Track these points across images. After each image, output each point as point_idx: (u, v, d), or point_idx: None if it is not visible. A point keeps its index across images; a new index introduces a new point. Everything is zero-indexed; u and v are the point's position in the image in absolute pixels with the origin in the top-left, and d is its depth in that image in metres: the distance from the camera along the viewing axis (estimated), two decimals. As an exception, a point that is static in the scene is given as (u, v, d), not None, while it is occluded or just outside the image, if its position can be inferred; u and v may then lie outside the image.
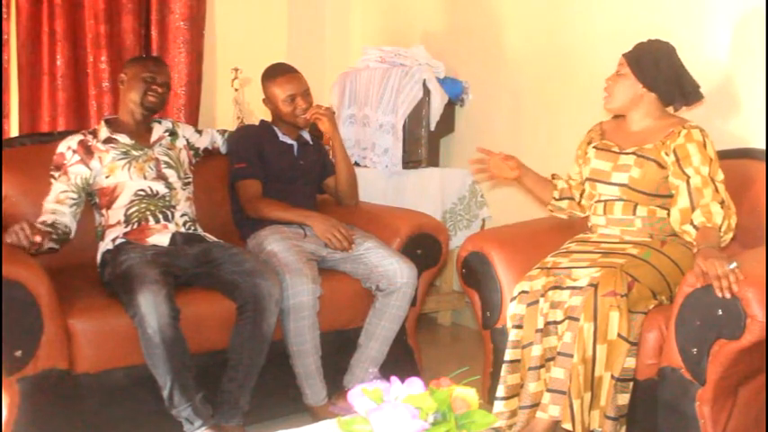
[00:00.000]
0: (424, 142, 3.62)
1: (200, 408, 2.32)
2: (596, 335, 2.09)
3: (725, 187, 2.33)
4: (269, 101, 2.97)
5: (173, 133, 2.88)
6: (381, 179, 3.63)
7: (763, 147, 2.56)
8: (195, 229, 2.75)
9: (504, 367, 2.28)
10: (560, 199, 2.72)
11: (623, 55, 2.48)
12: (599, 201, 2.52)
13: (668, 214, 2.40)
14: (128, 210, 2.64)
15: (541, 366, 2.22)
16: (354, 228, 2.85)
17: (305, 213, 2.81)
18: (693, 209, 2.31)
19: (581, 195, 2.67)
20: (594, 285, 2.14)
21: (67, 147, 2.67)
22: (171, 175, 2.75)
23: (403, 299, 2.73)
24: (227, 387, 2.43)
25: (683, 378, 2.03)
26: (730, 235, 2.29)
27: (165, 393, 2.28)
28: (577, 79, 3.26)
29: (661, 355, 2.12)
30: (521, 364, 2.27)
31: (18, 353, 2.13)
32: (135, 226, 2.63)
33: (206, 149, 3.02)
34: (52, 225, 2.50)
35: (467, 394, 1.54)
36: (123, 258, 2.46)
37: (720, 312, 1.93)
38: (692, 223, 2.30)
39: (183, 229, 2.69)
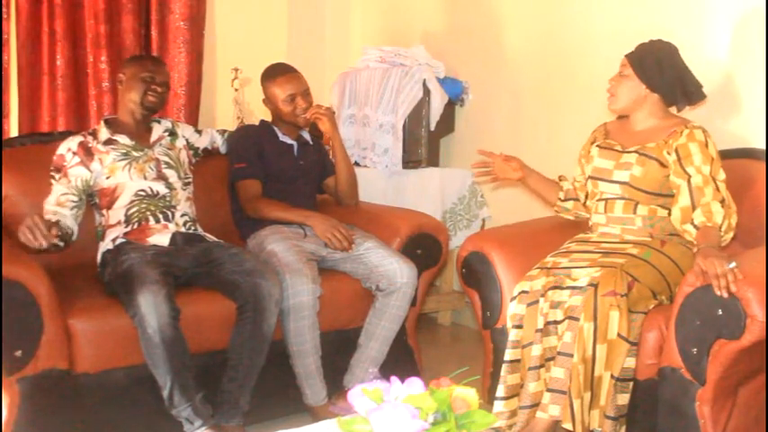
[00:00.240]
0: (424, 142, 3.62)
1: (200, 408, 2.32)
2: (596, 335, 2.10)
3: (726, 186, 2.33)
4: (269, 101, 2.97)
5: (172, 133, 2.88)
6: (381, 179, 3.63)
7: (764, 146, 2.56)
8: (195, 229, 2.75)
9: (504, 367, 2.28)
10: (566, 200, 2.73)
11: (626, 56, 2.48)
12: (600, 199, 2.52)
13: (669, 213, 2.40)
14: (128, 210, 2.64)
15: (541, 366, 2.22)
16: (354, 228, 2.85)
17: (305, 213, 2.81)
18: (694, 208, 2.31)
19: (586, 197, 2.67)
20: (594, 285, 2.14)
21: (67, 148, 2.67)
22: (171, 175, 2.75)
23: (403, 299, 2.73)
24: (228, 387, 2.43)
25: (683, 378, 2.03)
26: (731, 234, 2.29)
27: (165, 393, 2.28)
28: (577, 79, 3.26)
29: (661, 355, 2.12)
30: (521, 364, 2.27)
31: (18, 353, 2.13)
32: (135, 226, 2.63)
33: (206, 149, 3.02)
34: (56, 224, 2.49)
35: (467, 394, 1.54)
36: (123, 258, 2.46)
37: (720, 312, 1.93)
38: (692, 223, 2.30)
39: (183, 229, 2.69)
